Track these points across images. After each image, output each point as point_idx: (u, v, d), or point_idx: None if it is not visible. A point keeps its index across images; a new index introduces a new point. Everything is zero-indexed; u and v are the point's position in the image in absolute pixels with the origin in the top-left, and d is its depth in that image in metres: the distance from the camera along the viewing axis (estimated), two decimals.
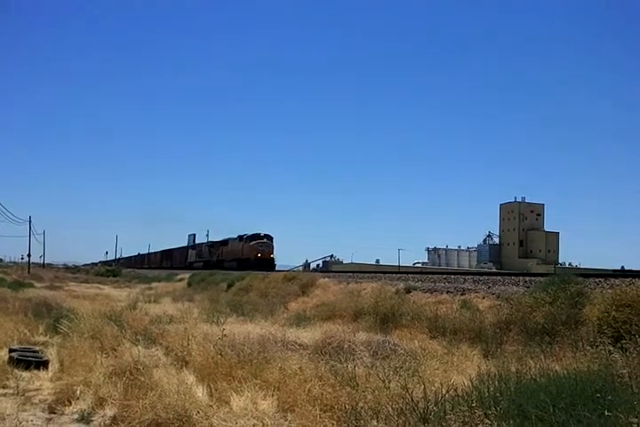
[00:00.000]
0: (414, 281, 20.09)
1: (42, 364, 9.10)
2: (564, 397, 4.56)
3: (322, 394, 5.88)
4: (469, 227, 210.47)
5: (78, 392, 7.17)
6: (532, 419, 4.29)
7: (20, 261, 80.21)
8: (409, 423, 4.82)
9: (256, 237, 51.76)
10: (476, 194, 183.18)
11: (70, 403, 6.93)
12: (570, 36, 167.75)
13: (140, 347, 8.61)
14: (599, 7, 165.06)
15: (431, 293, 16.64)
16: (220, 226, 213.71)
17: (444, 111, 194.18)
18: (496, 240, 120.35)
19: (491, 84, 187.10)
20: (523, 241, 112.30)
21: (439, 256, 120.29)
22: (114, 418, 6.17)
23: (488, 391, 5.11)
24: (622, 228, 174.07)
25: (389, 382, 6.02)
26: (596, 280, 13.41)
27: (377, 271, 32.79)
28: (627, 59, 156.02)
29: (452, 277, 20.48)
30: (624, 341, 7.37)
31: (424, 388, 5.41)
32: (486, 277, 18.58)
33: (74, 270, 79.53)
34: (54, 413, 6.73)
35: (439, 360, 7.80)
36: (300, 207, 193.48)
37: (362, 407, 5.30)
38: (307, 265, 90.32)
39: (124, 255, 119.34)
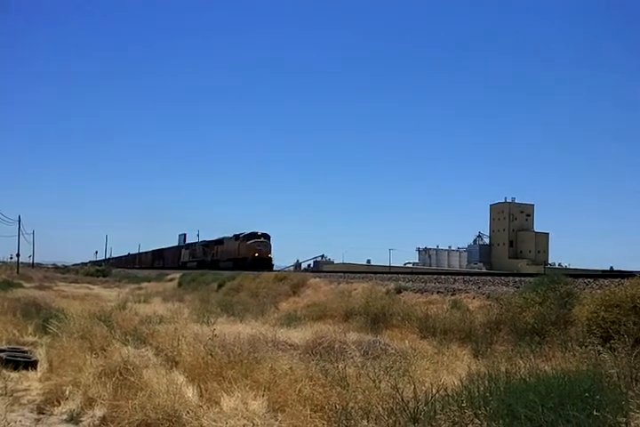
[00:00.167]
0: (405, 281, 20.13)
1: (31, 364, 9.04)
2: (553, 397, 4.59)
3: (312, 394, 5.87)
4: (460, 227, 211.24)
5: (67, 393, 7.12)
6: (522, 419, 4.31)
7: (9, 260, 79.56)
8: (399, 423, 4.83)
9: (253, 235, 50.62)
10: (466, 194, 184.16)
11: (59, 403, 6.89)
12: (570, 36, 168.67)
13: (129, 347, 8.56)
14: (599, 7, 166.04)
15: (422, 293, 16.69)
16: (211, 226, 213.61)
17: (437, 111, 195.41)
18: (486, 241, 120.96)
19: (487, 84, 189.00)
20: (513, 241, 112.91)
21: (430, 256, 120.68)
22: (103, 418, 6.14)
23: (478, 391, 5.13)
24: (612, 228, 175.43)
25: (380, 382, 6.02)
26: (586, 281, 13.49)
27: (368, 271, 32.84)
28: (627, 59, 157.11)
29: (443, 277, 20.54)
30: (613, 341, 7.41)
31: (414, 388, 5.42)
32: (476, 278, 18.66)
33: (63, 270, 79.16)
34: (43, 413, 6.69)
35: (429, 360, 7.82)
36: (290, 207, 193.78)
37: (352, 407, 5.30)
38: (298, 265, 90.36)
39: (114, 255, 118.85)
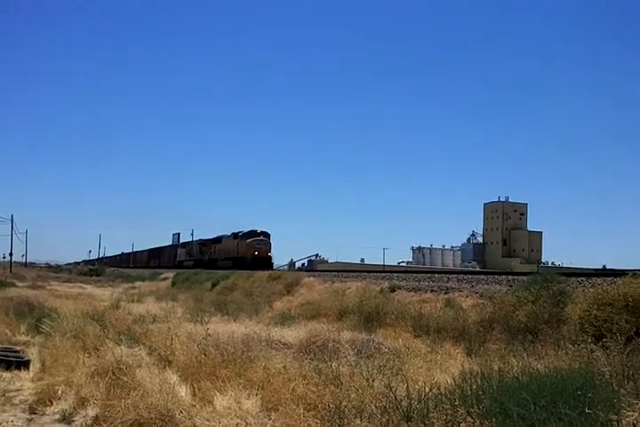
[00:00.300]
0: (399, 280, 20.18)
1: (23, 364, 9.00)
2: (546, 395, 4.60)
3: (306, 393, 5.87)
4: (454, 226, 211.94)
5: (60, 392, 7.09)
6: (514, 417, 4.32)
7: (2, 260, 79.33)
8: (392, 422, 4.84)
9: (252, 234, 49.61)
10: (460, 193, 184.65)
11: (52, 403, 6.86)
12: (570, 36, 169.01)
13: (122, 347, 8.54)
14: (599, 7, 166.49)
15: (415, 291, 16.72)
16: (205, 225, 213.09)
17: (432, 111, 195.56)
18: (480, 239, 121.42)
19: (484, 84, 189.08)
20: (506, 240, 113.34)
21: (424, 255, 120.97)
22: (96, 418, 6.12)
23: (471, 390, 5.14)
24: (605, 227, 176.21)
25: (373, 380, 6.03)
26: (579, 279, 13.56)
27: (362, 270, 32.89)
28: (627, 59, 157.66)
29: (436, 276, 20.61)
30: (605, 339, 7.45)
31: (407, 386, 5.42)
32: (470, 276, 18.72)
33: (56, 270, 78.90)
34: (35, 413, 6.66)
35: (423, 359, 7.82)
36: (285, 206, 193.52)
37: (346, 406, 5.30)
38: (292, 264, 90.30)
39: (108, 254, 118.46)
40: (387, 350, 8.49)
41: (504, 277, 17.35)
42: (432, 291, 16.33)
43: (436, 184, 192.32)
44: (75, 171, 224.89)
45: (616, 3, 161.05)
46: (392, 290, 17.43)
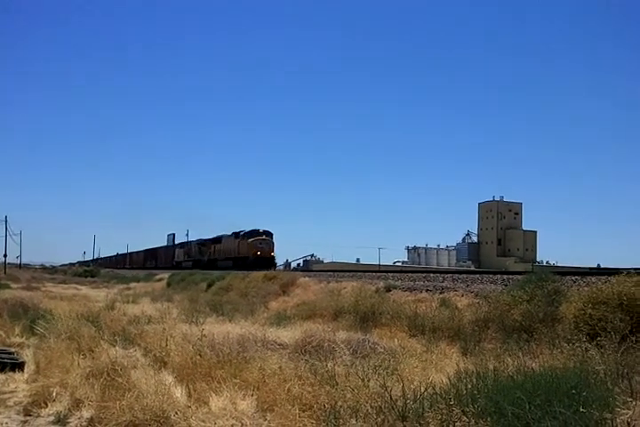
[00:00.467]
0: (394, 280, 20.21)
1: (17, 365, 8.97)
2: (540, 394, 4.61)
3: (301, 393, 5.87)
4: (449, 226, 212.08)
5: (54, 394, 7.07)
6: (509, 416, 4.33)
7: None
8: (387, 421, 4.84)
9: (254, 233, 48.15)
10: (455, 193, 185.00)
11: (46, 405, 6.84)
12: (570, 36, 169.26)
13: (117, 348, 8.52)
14: (599, 7, 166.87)
15: (411, 291, 16.74)
16: (201, 226, 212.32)
17: (427, 111, 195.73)
18: (475, 239, 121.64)
19: (480, 83, 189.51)
20: (501, 240, 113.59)
21: (419, 255, 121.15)
22: (91, 420, 6.10)
23: (466, 389, 5.14)
24: (599, 226, 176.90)
25: (369, 380, 6.02)
26: (573, 278, 13.61)
27: (357, 270, 32.90)
28: (625, 59, 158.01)
29: (432, 275, 20.65)
30: (600, 338, 7.47)
31: (403, 386, 5.43)
32: (465, 276, 18.77)
33: (51, 271, 78.70)
34: (30, 415, 6.63)
35: (418, 358, 7.83)
36: (279, 206, 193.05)
37: (341, 406, 5.30)
38: (287, 264, 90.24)
39: (103, 255, 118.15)
40: (382, 350, 8.49)
41: (499, 276, 17.40)
42: (427, 290, 16.35)
43: (431, 184, 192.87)
44: (70, 171, 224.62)
45: (616, 3, 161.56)
46: (387, 290, 17.45)
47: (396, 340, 9.92)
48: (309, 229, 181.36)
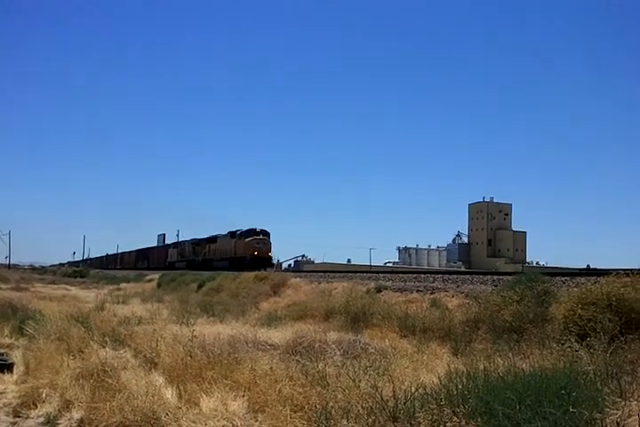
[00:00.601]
0: (385, 280, 20.24)
1: (7, 367, 8.91)
2: (530, 394, 4.63)
3: (292, 394, 5.87)
4: (439, 227, 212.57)
5: (44, 395, 7.04)
6: (499, 416, 4.35)
7: None
8: (378, 422, 4.85)
9: (251, 232, 47.09)
10: (446, 194, 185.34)
11: (36, 406, 6.81)
12: (569, 36, 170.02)
13: (107, 349, 8.49)
14: (599, 7, 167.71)
15: (401, 292, 16.77)
16: (192, 227, 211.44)
17: (419, 111, 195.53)
18: (465, 240, 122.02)
19: (476, 83, 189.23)
20: (491, 240, 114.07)
21: (410, 256, 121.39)
22: (81, 421, 6.08)
23: (456, 389, 5.16)
24: (589, 227, 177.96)
25: (360, 381, 6.03)
26: (563, 279, 13.68)
27: (348, 271, 32.91)
28: (621, 58, 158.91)
29: (422, 276, 20.69)
30: (589, 338, 7.52)
31: (393, 387, 5.44)
32: (455, 277, 18.82)
33: (41, 271, 77.99)
34: (19, 416, 6.61)
35: (409, 359, 7.85)
36: (270, 207, 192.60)
37: (332, 407, 5.31)
38: (278, 265, 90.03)
39: (93, 256, 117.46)
40: (373, 351, 8.50)
41: (489, 277, 17.46)
42: (418, 291, 16.39)
43: (421, 185, 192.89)
44: (60, 171, 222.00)
45: (616, 2, 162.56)
46: (378, 290, 17.47)
47: (387, 340, 9.93)
48: (300, 230, 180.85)
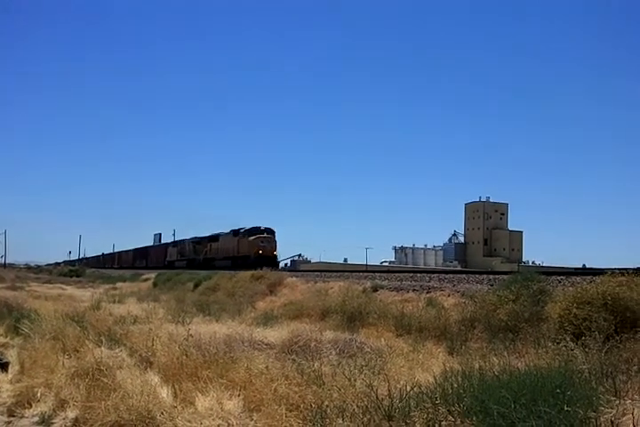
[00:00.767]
0: (381, 280, 20.25)
1: (1, 366, 8.88)
2: (525, 393, 4.64)
3: (288, 393, 5.86)
4: (436, 226, 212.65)
5: (39, 394, 7.02)
6: (494, 415, 4.36)
7: None
8: (374, 421, 4.85)
9: (256, 231, 45.64)
10: (442, 193, 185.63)
11: (30, 405, 6.79)
12: (566, 37, 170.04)
13: (103, 348, 8.46)
14: (599, 7, 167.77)
15: (397, 291, 16.79)
16: (189, 227, 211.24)
17: (414, 111, 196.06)
18: (461, 239, 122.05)
19: (470, 83, 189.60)
20: (487, 240, 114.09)
21: (406, 255, 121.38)
22: (75, 420, 6.07)
23: (452, 388, 5.17)
24: (584, 226, 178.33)
25: (355, 380, 6.04)
26: (558, 278, 13.72)
27: (344, 270, 32.91)
28: (620, 59, 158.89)
29: (418, 275, 20.73)
30: (585, 337, 7.54)
31: (389, 385, 5.44)
32: (451, 276, 18.85)
33: (36, 270, 77.86)
34: (14, 416, 6.59)
35: (405, 358, 7.85)
36: (267, 206, 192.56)
37: (328, 406, 5.30)
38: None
39: (88, 255, 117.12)
40: (369, 350, 8.50)
41: (485, 276, 17.49)
42: (414, 290, 16.41)
43: (418, 184, 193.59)
44: (55, 171, 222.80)
45: (616, 3, 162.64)
46: (374, 290, 17.49)
47: (382, 339, 9.93)
48: (297, 229, 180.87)
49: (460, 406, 4.71)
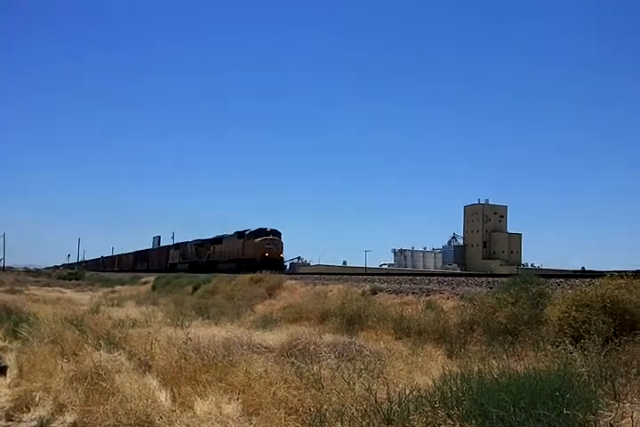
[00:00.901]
0: (380, 282, 20.25)
1: (0, 370, 8.86)
2: (525, 396, 4.64)
3: (287, 397, 5.85)
4: (435, 228, 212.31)
5: (37, 398, 7.00)
6: (493, 419, 4.35)
7: None
8: (373, 424, 4.84)
9: (261, 232, 44.30)
10: (441, 196, 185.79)
11: (29, 410, 6.77)
12: (567, 40, 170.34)
13: (101, 352, 8.45)
14: (599, 7, 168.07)
15: (397, 294, 16.78)
16: (188, 230, 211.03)
17: (412, 112, 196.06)
18: (460, 242, 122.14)
19: (468, 85, 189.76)
20: (486, 242, 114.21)
21: (405, 258, 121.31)
22: (74, 424, 6.05)
23: (451, 392, 5.16)
24: (584, 229, 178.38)
25: (354, 383, 6.02)
26: (557, 281, 13.72)
27: (344, 273, 32.89)
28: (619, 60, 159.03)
29: (418, 278, 20.71)
30: (584, 340, 7.53)
31: (388, 389, 5.43)
32: (451, 278, 18.86)
33: (35, 274, 77.66)
34: (12, 420, 6.56)
35: (404, 361, 7.84)
36: (266, 209, 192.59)
37: (326, 410, 5.29)
38: None
39: (87, 258, 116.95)
40: (368, 353, 8.49)
41: (484, 278, 17.49)
42: (413, 293, 16.40)
43: (417, 187, 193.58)
44: (56, 174, 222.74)
45: (616, 4, 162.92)
46: (374, 292, 17.48)
47: (381, 342, 9.92)
48: (296, 232, 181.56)
49: (459, 410, 4.71)
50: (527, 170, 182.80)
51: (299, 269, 76.57)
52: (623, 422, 4.52)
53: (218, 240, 51.95)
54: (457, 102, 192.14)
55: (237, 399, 6.20)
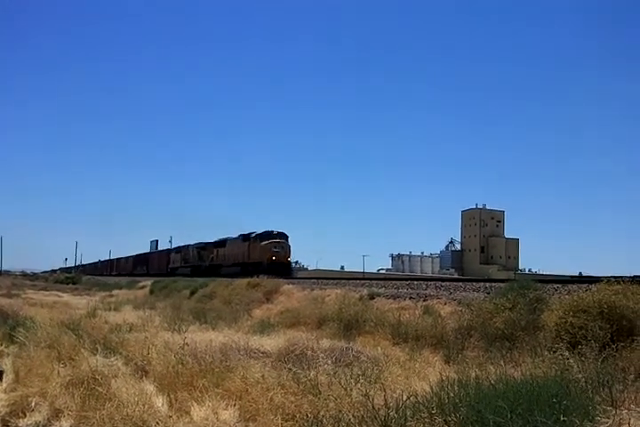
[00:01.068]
0: (378, 287, 20.24)
1: None
2: (522, 402, 4.63)
3: (284, 403, 5.85)
4: (432, 233, 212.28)
5: (33, 404, 6.96)
6: (491, 425, 4.35)
7: None
8: None
9: (268, 235, 42.93)
10: (438, 200, 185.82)
11: (25, 415, 6.73)
12: (566, 42, 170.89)
13: (98, 356, 8.42)
14: (599, 7, 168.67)
15: (394, 299, 16.76)
16: (186, 234, 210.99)
17: (409, 116, 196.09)
18: (458, 247, 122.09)
19: (467, 89, 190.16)
20: (484, 247, 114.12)
21: (403, 262, 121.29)
22: None
23: (448, 398, 5.15)
24: (581, 234, 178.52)
25: (351, 389, 6.01)
26: (555, 286, 13.71)
27: (341, 278, 32.86)
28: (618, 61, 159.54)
29: (415, 283, 20.69)
30: (581, 346, 7.54)
31: (385, 395, 5.42)
32: (448, 284, 18.84)
33: (32, 278, 77.39)
34: (8, 426, 6.52)
35: (401, 367, 7.83)
36: (264, 213, 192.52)
37: (324, 416, 5.29)
38: None
39: (85, 262, 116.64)
40: (365, 359, 8.48)
41: (482, 284, 17.47)
42: (411, 298, 16.38)
43: (414, 191, 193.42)
44: (53, 178, 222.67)
45: (616, 3, 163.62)
46: (371, 297, 17.46)
47: (379, 348, 9.90)
48: (294, 236, 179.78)
49: (456, 416, 4.70)
50: (525, 175, 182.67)
51: (296, 274, 76.34)
52: None
53: (221, 243, 50.70)
54: (455, 107, 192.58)
55: (234, 405, 6.18)
